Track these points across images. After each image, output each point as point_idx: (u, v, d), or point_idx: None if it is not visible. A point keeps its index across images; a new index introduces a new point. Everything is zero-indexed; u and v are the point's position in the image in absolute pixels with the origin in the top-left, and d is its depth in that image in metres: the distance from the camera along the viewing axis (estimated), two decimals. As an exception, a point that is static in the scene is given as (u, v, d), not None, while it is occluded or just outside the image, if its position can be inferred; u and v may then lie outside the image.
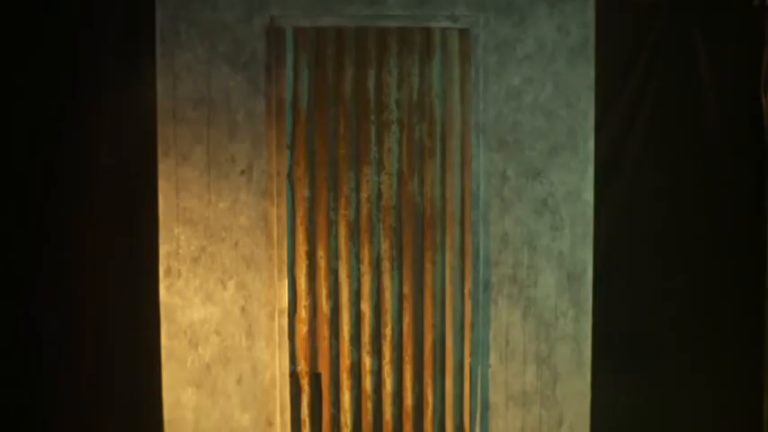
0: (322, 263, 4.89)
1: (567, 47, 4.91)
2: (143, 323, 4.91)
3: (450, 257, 4.94)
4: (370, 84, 4.86)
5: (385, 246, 4.90)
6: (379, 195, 4.88)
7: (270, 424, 4.90)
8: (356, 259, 4.90)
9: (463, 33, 4.89)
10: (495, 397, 4.94)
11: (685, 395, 5.15)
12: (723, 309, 5.14)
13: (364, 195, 4.88)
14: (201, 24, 4.80)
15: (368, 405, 4.93)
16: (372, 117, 4.86)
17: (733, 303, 5.14)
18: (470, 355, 4.93)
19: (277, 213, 4.84)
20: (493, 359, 4.93)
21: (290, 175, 4.84)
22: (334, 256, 4.90)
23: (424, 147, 4.89)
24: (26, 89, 4.85)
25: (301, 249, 4.88)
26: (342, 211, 4.88)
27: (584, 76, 4.92)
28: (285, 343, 4.88)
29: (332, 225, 4.89)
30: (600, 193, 4.99)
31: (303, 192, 4.87)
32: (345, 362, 4.91)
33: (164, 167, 4.83)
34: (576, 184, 4.94)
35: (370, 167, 4.86)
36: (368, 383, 4.92)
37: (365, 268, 4.90)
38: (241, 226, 4.85)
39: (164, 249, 4.86)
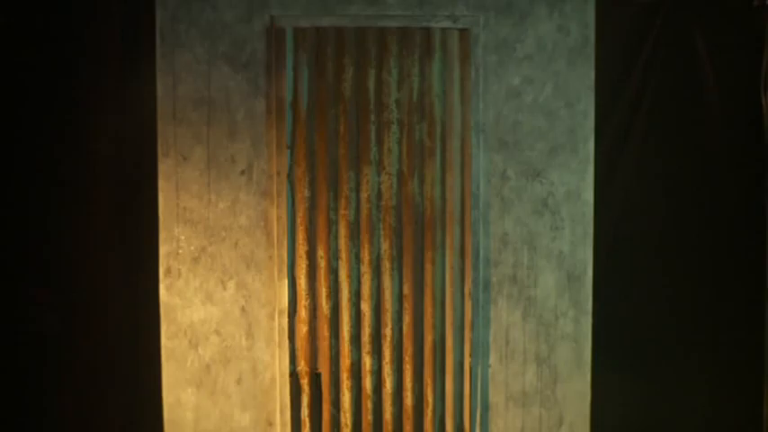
0: (322, 263, 4.88)
1: (567, 47, 4.91)
2: (143, 323, 4.91)
3: (450, 257, 4.92)
4: (370, 84, 4.84)
5: (385, 246, 4.88)
6: (379, 195, 4.86)
7: (270, 424, 4.90)
8: (356, 259, 4.88)
9: (463, 33, 4.88)
10: (495, 397, 4.94)
11: (685, 395, 5.15)
12: (723, 308, 5.15)
13: (364, 195, 4.86)
14: (201, 24, 4.80)
15: (368, 405, 4.92)
16: (372, 117, 4.84)
17: (733, 303, 5.14)
18: (470, 355, 4.92)
19: (277, 213, 4.84)
20: (493, 359, 4.93)
21: (290, 175, 4.82)
22: (334, 256, 4.88)
23: (424, 147, 4.87)
24: (26, 90, 4.85)
25: (301, 249, 4.87)
26: (342, 211, 4.86)
27: (584, 76, 4.92)
28: (285, 343, 4.87)
29: (332, 225, 4.87)
30: (600, 193, 4.99)
31: (303, 192, 4.85)
32: (345, 362, 4.90)
33: (164, 167, 4.83)
34: (576, 184, 4.94)
35: (370, 167, 4.84)
36: (368, 383, 4.91)
37: (365, 268, 4.89)
38: (241, 226, 4.85)
39: (164, 249, 4.86)
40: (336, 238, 4.88)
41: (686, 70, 5.10)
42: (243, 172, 4.83)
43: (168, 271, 4.87)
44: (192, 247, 4.86)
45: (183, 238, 4.85)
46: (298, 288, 4.88)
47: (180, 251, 4.86)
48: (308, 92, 4.83)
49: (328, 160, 4.84)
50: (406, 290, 4.91)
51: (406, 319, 4.91)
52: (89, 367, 4.95)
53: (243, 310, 4.87)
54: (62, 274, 4.92)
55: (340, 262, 4.89)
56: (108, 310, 4.94)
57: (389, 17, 4.82)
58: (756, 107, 5.06)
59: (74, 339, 4.93)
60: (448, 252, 4.93)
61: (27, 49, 4.82)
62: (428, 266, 4.91)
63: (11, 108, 4.84)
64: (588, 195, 4.95)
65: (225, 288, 4.87)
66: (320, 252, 4.88)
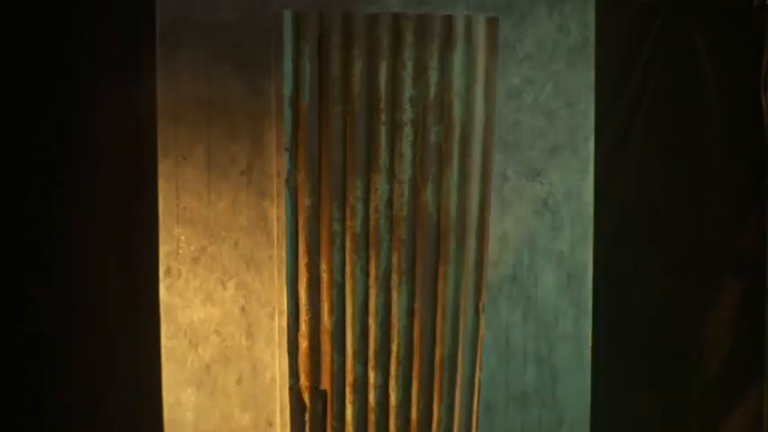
0: (324, 276, 4.54)
1: (567, 47, 4.92)
2: (143, 323, 4.91)
3: (464, 271, 4.55)
4: (381, 79, 4.38)
5: (394, 259, 4.53)
6: (389, 205, 4.46)
7: (270, 424, 4.91)
8: (362, 273, 4.55)
9: (491, 21, 4.39)
10: (495, 397, 4.95)
11: (685, 395, 5.16)
12: (723, 309, 5.15)
13: (372, 205, 4.46)
14: (201, 24, 4.79)
15: (371, 418, 4.67)
16: (383, 117, 4.39)
17: (733, 303, 5.15)
18: (480, 369, 4.68)
19: (277, 213, 4.83)
20: (493, 359, 4.94)
21: (288, 181, 4.45)
22: (337, 270, 4.54)
23: (440, 151, 4.42)
24: (26, 89, 4.84)
25: (302, 262, 4.53)
26: (347, 222, 4.49)
27: (584, 76, 4.93)
28: (285, 343, 4.86)
29: (335, 236, 4.50)
30: (600, 192, 5.00)
31: (304, 200, 4.46)
32: (349, 377, 4.66)
33: (164, 167, 4.83)
34: (576, 184, 4.95)
35: (379, 174, 4.44)
36: (372, 397, 4.66)
37: (371, 282, 4.55)
38: (241, 226, 4.84)
39: (164, 249, 4.85)
40: (341, 250, 4.52)
41: (686, 70, 5.10)
42: (243, 172, 4.83)
43: (168, 271, 4.87)
44: (192, 247, 4.86)
45: (183, 238, 4.85)
46: (299, 302, 4.59)
47: (180, 251, 4.85)
48: (309, 87, 4.39)
49: (332, 165, 4.46)
50: (416, 305, 4.58)
51: (415, 334, 4.61)
52: (89, 367, 4.94)
53: (243, 310, 4.87)
54: (62, 274, 4.90)
55: (344, 276, 4.56)
56: (108, 310, 4.93)
57: (390, 17, 4.82)
58: (756, 107, 5.06)
59: (74, 339, 4.92)
60: (462, 265, 4.54)
61: (27, 49, 4.81)
62: (441, 281, 4.55)
63: (11, 108, 4.83)
64: (588, 195, 4.96)
65: (225, 288, 4.87)
66: (323, 265, 4.54)
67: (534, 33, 4.90)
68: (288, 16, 4.30)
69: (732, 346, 5.15)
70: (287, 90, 4.39)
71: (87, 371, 4.94)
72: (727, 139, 5.11)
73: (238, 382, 4.90)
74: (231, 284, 4.87)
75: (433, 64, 4.36)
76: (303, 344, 4.59)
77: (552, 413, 4.99)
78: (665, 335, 5.14)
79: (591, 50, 4.93)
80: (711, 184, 5.12)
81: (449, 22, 4.35)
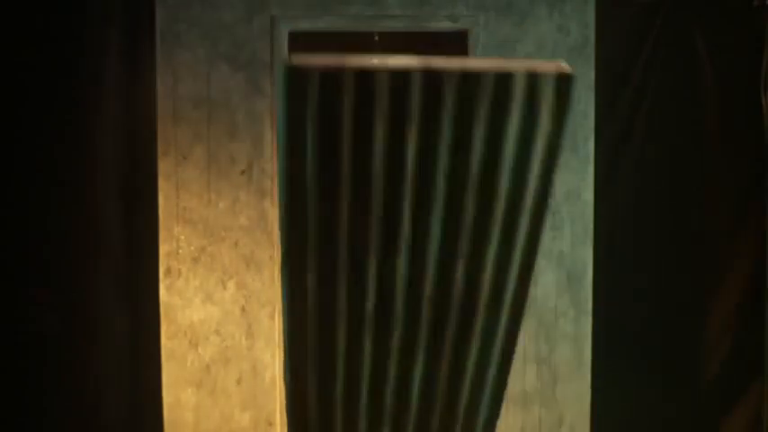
0: (329, 349, 3.70)
1: (567, 47, 4.91)
2: (143, 323, 4.90)
3: (493, 344, 3.73)
4: (409, 150, 3.25)
5: (413, 335, 3.68)
6: (410, 283, 3.54)
7: (270, 424, 4.90)
8: (374, 346, 3.70)
9: (562, 79, 3.17)
10: (496, 397, 4.94)
11: (686, 395, 5.15)
12: (723, 308, 5.15)
13: (389, 286, 3.54)
14: (201, 24, 4.79)
15: None
16: (408, 193, 3.31)
17: (733, 303, 5.14)
18: (498, 415, 3.87)
19: (277, 213, 4.83)
20: (493, 359, 4.93)
21: (284, 264, 3.50)
22: (343, 344, 3.69)
23: (477, 229, 3.39)
24: (26, 89, 4.84)
25: (301, 333, 3.65)
26: (358, 302, 3.60)
27: (584, 76, 4.92)
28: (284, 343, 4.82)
29: (341, 314, 3.64)
30: (600, 192, 4.99)
31: (306, 282, 3.51)
32: None
33: (164, 167, 4.83)
34: (576, 183, 4.94)
35: (399, 255, 3.46)
36: None
37: (385, 355, 3.72)
38: (241, 226, 4.84)
39: (164, 249, 4.85)
40: (349, 326, 3.67)
41: (686, 70, 5.10)
42: (243, 172, 4.83)
43: (168, 271, 4.86)
44: (192, 247, 4.86)
45: (182, 238, 4.85)
46: (300, 374, 3.75)
47: (180, 251, 4.85)
48: (311, 158, 3.26)
49: (339, 245, 3.44)
50: (437, 374, 3.76)
51: (433, 397, 3.82)
52: (89, 367, 4.94)
53: (243, 310, 4.87)
54: (62, 274, 4.91)
55: (352, 349, 3.74)
56: (108, 310, 4.93)
57: (390, 17, 4.82)
58: (756, 107, 5.06)
59: (74, 339, 4.92)
60: (492, 339, 3.72)
61: (27, 49, 4.81)
62: (466, 354, 3.75)
63: (11, 108, 4.83)
64: (588, 195, 4.95)
65: (225, 288, 4.87)
66: (327, 341, 3.69)
67: (534, 33, 4.90)
68: (281, 71, 3.14)
69: (732, 346, 5.14)
70: (281, 162, 3.29)
71: (87, 371, 4.94)
72: (727, 139, 5.11)
73: (238, 382, 4.90)
74: (231, 284, 4.87)
75: (479, 133, 3.26)
76: (304, 412, 3.89)
77: (552, 413, 4.99)
78: (665, 335, 5.13)
79: (591, 50, 4.93)
80: (711, 184, 5.11)
81: (506, 80, 3.18)
